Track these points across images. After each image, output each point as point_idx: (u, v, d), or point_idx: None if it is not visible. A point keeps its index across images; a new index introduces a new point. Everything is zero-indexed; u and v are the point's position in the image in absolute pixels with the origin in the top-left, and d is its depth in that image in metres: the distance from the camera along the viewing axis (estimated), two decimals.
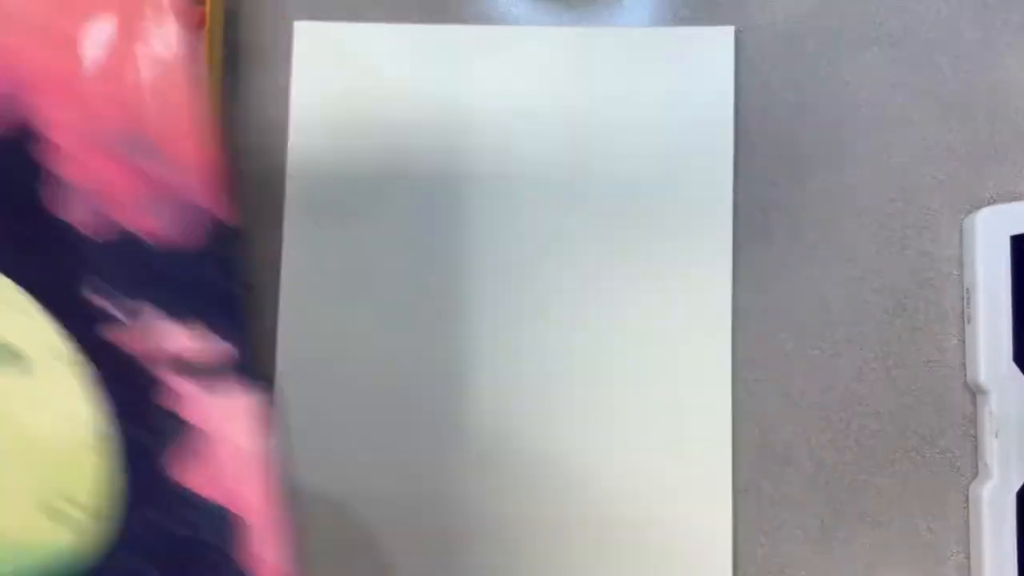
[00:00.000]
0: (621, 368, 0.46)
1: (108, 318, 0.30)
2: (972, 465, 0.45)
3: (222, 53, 0.48)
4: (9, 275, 0.30)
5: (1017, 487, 0.43)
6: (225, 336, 0.30)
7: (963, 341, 0.46)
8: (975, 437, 0.45)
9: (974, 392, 0.45)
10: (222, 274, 0.30)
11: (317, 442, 0.46)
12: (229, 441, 0.30)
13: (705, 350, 0.46)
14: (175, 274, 0.30)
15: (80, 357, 0.30)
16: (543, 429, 0.46)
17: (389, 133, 0.47)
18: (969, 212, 0.46)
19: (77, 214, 0.30)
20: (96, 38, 0.30)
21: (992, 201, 0.47)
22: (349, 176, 0.47)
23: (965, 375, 0.46)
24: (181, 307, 0.30)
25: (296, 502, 0.40)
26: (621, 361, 0.46)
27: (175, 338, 0.30)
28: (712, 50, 0.47)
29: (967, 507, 0.45)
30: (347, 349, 0.46)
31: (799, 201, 0.47)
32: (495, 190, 0.47)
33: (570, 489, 0.45)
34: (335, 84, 0.48)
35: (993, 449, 0.43)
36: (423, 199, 0.47)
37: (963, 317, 0.46)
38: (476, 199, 0.47)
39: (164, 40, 0.30)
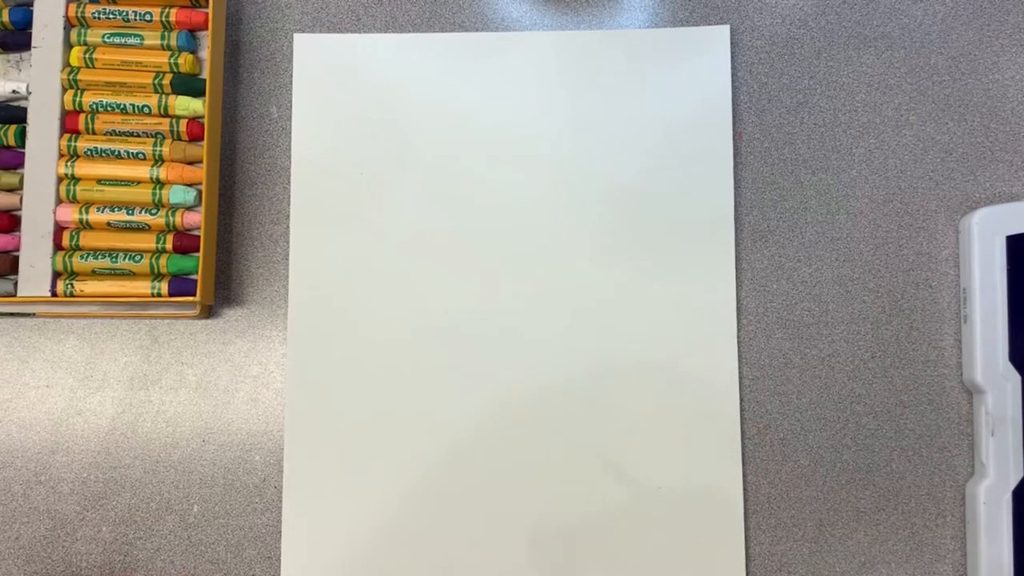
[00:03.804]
0: (629, 370, 0.46)
1: None
2: (968, 464, 0.46)
3: (224, 55, 0.48)
4: None
5: (1013, 485, 0.43)
6: None
7: (959, 341, 0.46)
8: (971, 436, 0.46)
9: (970, 391, 0.46)
10: None
11: (321, 437, 0.46)
12: None
13: (712, 349, 0.46)
14: None
15: None
16: (548, 430, 0.46)
17: (392, 138, 0.48)
18: (965, 213, 0.47)
19: None
20: None
21: (988, 202, 0.47)
22: (351, 179, 0.48)
23: (961, 374, 0.46)
24: None
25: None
26: (628, 363, 0.46)
27: None
28: (709, 48, 0.48)
29: (963, 505, 0.45)
30: (353, 343, 0.47)
31: (796, 201, 0.47)
32: (497, 192, 0.47)
33: (580, 489, 0.46)
34: (335, 94, 0.48)
35: (989, 448, 0.44)
36: (425, 200, 0.47)
37: (959, 317, 0.46)
38: (478, 201, 0.47)
39: None
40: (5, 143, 0.46)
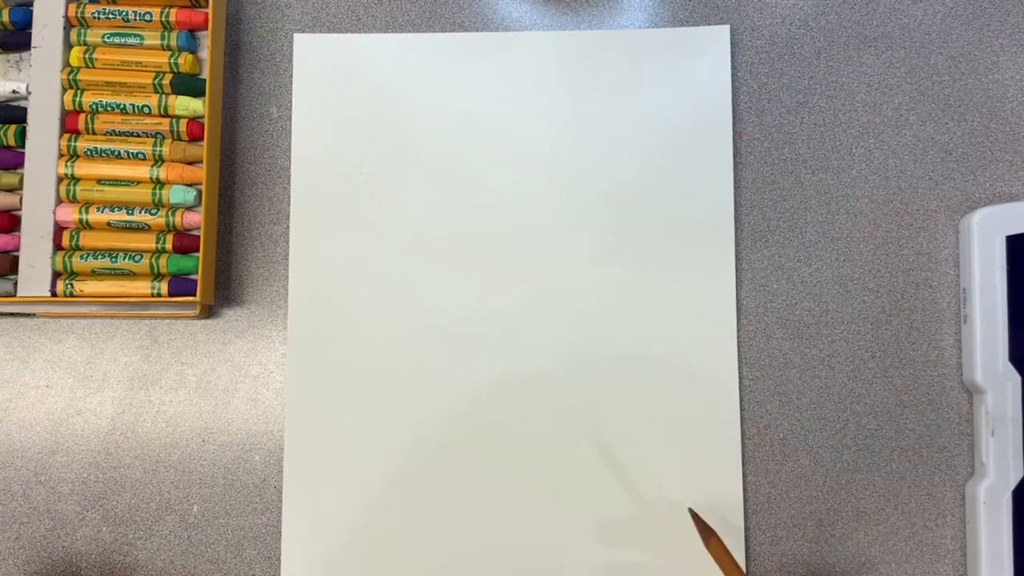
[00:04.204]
0: (629, 370, 0.46)
1: None
2: (968, 464, 0.46)
3: (224, 55, 0.48)
4: None
5: (1013, 485, 0.43)
6: None
7: (959, 341, 0.46)
8: (971, 436, 0.46)
9: (970, 391, 0.46)
10: None
11: (320, 439, 0.46)
12: None
13: (712, 349, 0.46)
14: None
15: None
16: (548, 430, 0.46)
17: (392, 138, 0.48)
18: (965, 213, 0.47)
19: None
20: None
21: (988, 202, 0.47)
22: (351, 179, 0.48)
23: (961, 375, 0.46)
24: None
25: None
26: (628, 363, 0.46)
27: None
28: (709, 48, 0.48)
29: (963, 505, 0.45)
30: (353, 343, 0.47)
31: (796, 201, 0.47)
32: (497, 191, 0.47)
33: (581, 489, 0.46)
34: (335, 94, 0.48)
35: (989, 448, 0.44)
36: (425, 200, 0.47)
37: (959, 317, 0.46)
38: (478, 201, 0.47)
39: None
40: (5, 143, 0.46)
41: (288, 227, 0.48)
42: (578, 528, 0.45)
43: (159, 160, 0.46)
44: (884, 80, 0.48)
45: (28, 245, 0.45)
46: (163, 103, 0.46)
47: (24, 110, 0.46)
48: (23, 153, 0.46)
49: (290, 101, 0.48)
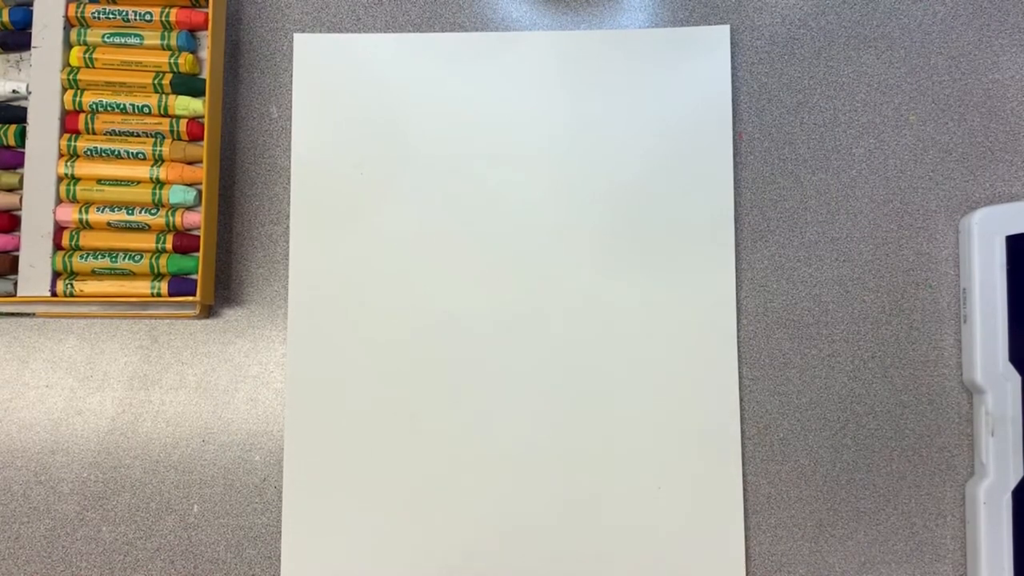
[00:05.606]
0: (629, 370, 0.46)
1: None
2: (968, 464, 0.46)
3: (224, 55, 0.48)
4: None
5: (1013, 485, 0.43)
6: None
7: (959, 341, 0.46)
8: (971, 436, 0.46)
9: (970, 391, 0.46)
10: None
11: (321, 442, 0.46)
12: None
13: (712, 349, 0.46)
14: None
15: None
16: (548, 429, 0.46)
17: (392, 138, 0.48)
18: (965, 213, 0.47)
19: None
20: None
21: (988, 202, 0.47)
22: (351, 179, 0.48)
23: (961, 374, 0.46)
24: None
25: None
26: (628, 363, 0.46)
27: None
28: (709, 48, 0.48)
29: (963, 505, 0.45)
30: (353, 343, 0.47)
31: (796, 201, 0.47)
32: (497, 191, 0.47)
33: (581, 488, 0.46)
34: (335, 94, 0.48)
35: (989, 448, 0.44)
36: (425, 200, 0.47)
37: (959, 317, 0.46)
38: (478, 201, 0.47)
39: None
40: (5, 143, 0.46)
41: (288, 227, 0.48)
42: (577, 528, 0.45)
43: (159, 160, 0.46)
44: (884, 80, 0.48)
45: (28, 245, 0.45)
46: (163, 103, 0.46)
47: (24, 110, 0.46)
48: (23, 153, 0.46)
49: (290, 101, 0.48)
